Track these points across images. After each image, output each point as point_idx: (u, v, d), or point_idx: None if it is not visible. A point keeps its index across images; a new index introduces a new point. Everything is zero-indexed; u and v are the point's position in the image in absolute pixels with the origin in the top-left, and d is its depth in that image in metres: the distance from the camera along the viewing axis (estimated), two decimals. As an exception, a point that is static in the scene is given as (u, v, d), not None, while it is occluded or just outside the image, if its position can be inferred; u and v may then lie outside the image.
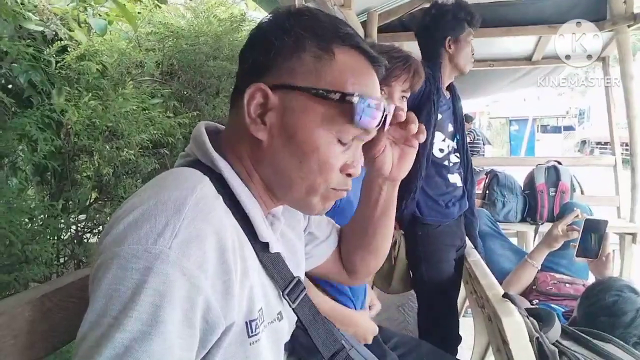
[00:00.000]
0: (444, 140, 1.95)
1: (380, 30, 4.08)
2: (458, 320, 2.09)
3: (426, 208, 1.93)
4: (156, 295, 0.53)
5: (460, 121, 2.03)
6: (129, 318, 0.52)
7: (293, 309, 0.74)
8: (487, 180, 3.72)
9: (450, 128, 1.99)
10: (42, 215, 1.45)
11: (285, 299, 0.73)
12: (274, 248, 0.71)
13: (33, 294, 0.71)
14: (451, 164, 1.98)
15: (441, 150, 1.95)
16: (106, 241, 0.57)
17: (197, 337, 0.57)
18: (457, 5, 1.99)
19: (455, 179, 1.99)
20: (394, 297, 2.15)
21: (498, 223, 2.87)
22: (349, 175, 0.71)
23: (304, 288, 0.76)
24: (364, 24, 3.97)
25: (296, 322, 0.81)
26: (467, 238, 2.12)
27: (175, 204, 0.58)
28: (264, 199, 0.74)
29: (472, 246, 2.10)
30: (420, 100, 1.85)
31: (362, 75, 0.69)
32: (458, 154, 2.02)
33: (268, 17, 0.73)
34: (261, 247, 0.70)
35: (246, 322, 0.64)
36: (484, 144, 8.03)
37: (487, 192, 3.64)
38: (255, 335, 0.65)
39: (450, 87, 2.06)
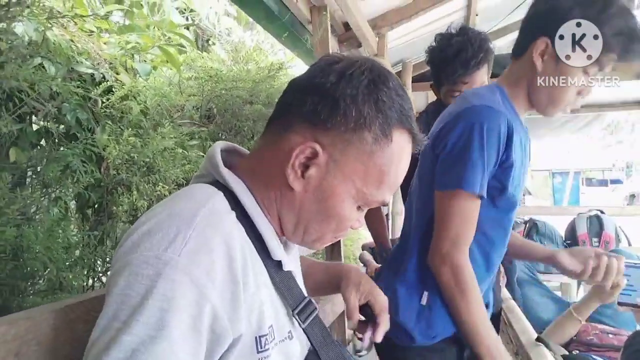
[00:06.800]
0: None
1: (415, 79, 4.17)
2: None
3: None
4: (164, 301, 0.54)
5: None
6: (136, 322, 0.53)
7: (303, 329, 0.73)
8: (525, 229, 3.59)
9: None
10: (79, 246, 1.51)
11: (295, 319, 0.72)
12: (286, 266, 0.72)
13: (57, 305, 0.74)
14: None
15: None
16: (121, 251, 0.60)
17: (204, 346, 0.57)
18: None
19: None
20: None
21: (539, 274, 2.75)
22: (351, 227, 0.76)
23: (315, 309, 0.76)
24: (399, 74, 4.07)
25: (309, 347, 0.80)
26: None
27: (187, 215, 0.60)
28: (275, 226, 0.74)
29: (506, 292, 2.02)
30: None
31: (404, 160, 0.73)
32: None
33: (346, 71, 0.68)
34: (274, 265, 0.70)
35: (256, 338, 0.64)
36: (524, 195, 7.85)
37: (526, 241, 3.51)
38: (265, 351, 0.64)
39: None
